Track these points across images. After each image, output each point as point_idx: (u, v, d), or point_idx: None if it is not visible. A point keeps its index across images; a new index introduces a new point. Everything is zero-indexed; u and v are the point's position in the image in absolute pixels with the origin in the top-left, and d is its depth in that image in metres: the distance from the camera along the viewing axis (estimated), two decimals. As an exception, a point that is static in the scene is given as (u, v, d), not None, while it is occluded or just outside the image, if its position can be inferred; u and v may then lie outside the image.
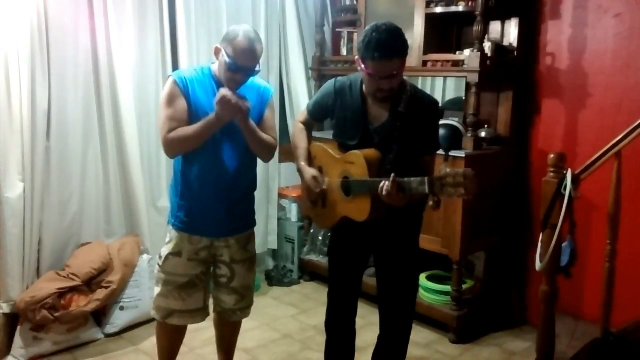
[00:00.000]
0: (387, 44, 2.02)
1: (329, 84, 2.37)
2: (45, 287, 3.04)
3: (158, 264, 2.41)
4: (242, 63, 2.18)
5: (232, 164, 2.33)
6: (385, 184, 2.01)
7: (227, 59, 2.17)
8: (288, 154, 4.44)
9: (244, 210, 2.48)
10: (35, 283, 3.12)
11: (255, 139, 2.32)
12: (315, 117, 2.48)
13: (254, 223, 2.54)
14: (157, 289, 2.42)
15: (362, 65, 2.09)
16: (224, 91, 2.15)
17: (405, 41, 2.09)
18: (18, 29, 2.97)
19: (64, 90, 3.23)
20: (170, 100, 2.24)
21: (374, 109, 2.24)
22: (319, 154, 2.44)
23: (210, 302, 2.55)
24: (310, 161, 2.45)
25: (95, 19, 3.29)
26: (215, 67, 2.31)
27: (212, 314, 2.60)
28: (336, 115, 2.33)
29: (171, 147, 2.24)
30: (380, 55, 2.01)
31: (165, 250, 2.40)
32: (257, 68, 2.24)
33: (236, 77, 2.21)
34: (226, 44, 2.19)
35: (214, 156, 2.30)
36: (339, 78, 2.36)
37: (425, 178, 1.95)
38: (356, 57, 2.13)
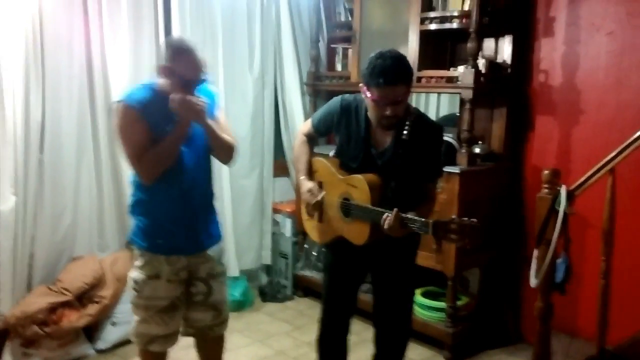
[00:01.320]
0: (392, 70, 2.04)
1: (335, 101, 2.37)
2: (36, 302, 3.01)
3: (135, 290, 2.28)
4: (193, 77, 2.15)
5: (196, 175, 2.30)
6: (388, 218, 2.02)
7: (175, 76, 2.12)
8: (282, 169, 4.48)
9: (214, 222, 2.45)
10: (26, 298, 3.09)
11: (217, 137, 2.28)
12: (319, 131, 2.48)
13: (221, 234, 2.52)
14: (136, 317, 2.32)
15: (367, 93, 2.11)
16: (176, 95, 2.11)
17: (409, 68, 2.12)
18: (13, 41, 2.98)
19: (58, 102, 3.23)
20: (131, 125, 2.13)
21: (378, 134, 2.25)
22: (321, 169, 2.45)
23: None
24: (310, 175, 2.46)
25: (90, 32, 3.30)
26: (161, 84, 2.21)
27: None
28: (340, 133, 2.33)
29: (149, 170, 2.15)
30: (385, 82, 2.03)
31: (139, 275, 2.27)
32: (204, 77, 2.19)
33: (187, 91, 2.15)
34: (169, 61, 2.13)
35: (181, 172, 2.23)
36: (345, 96, 2.36)
37: (430, 222, 1.96)
38: (360, 84, 2.16)
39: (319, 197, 2.34)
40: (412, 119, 2.19)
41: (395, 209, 2.02)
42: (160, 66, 2.18)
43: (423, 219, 1.99)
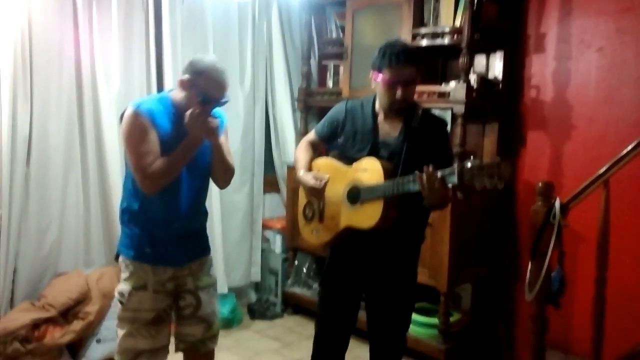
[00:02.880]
0: (403, 51, 2.17)
1: (339, 104, 2.47)
2: (18, 317, 2.93)
3: (121, 302, 2.23)
4: (215, 95, 2.13)
5: (193, 193, 2.27)
6: (425, 173, 1.99)
7: (197, 92, 2.10)
8: (273, 185, 4.45)
9: (204, 235, 2.42)
10: (9, 314, 3.01)
11: (223, 160, 2.27)
12: (324, 136, 2.51)
13: (210, 247, 2.47)
14: (121, 331, 2.24)
15: (379, 76, 2.20)
16: (192, 111, 2.08)
17: (418, 53, 2.25)
18: (1, 53, 2.94)
19: (46, 116, 3.18)
20: (141, 133, 2.09)
21: (385, 126, 2.31)
22: (323, 167, 2.45)
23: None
24: None
25: (80, 45, 3.27)
26: (176, 97, 2.20)
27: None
28: (346, 130, 2.38)
29: (155, 182, 2.10)
30: (397, 61, 2.14)
31: (125, 286, 2.22)
32: (226, 99, 2.18)
33: (205, 109, 2.13)
34: (195, 76, 2.11)
35: (178, 188, 2.20)
36: (350, 99, 2.48)
37: (455, 169, 1.95)
38: (371, 73, 2.26)
39: (326, 179, 2.35)
40: (420, 111, 2.28)
41: (430, 165, 1.99)
42: (183, 79, 2.14)
43: (454, 168, 1.95)
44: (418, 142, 2.23)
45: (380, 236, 2.24)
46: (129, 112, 2.12)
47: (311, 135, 2.58)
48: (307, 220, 2.52)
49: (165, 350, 2.30)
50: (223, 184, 2.39)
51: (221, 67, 2.15)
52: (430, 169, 2.00)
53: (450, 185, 2.03)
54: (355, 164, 2.30)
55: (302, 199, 2.56)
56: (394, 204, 2.17)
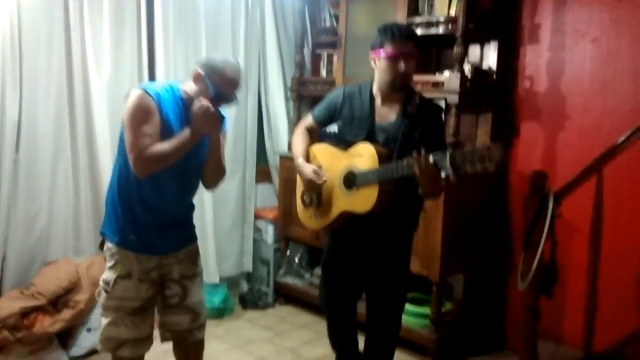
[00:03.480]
0: (403, 27, 2.29)
1: (337, 90, 2.53)
2: (7, 306, 2.90)
3: (106, 291, 2.20)
4: (227, 93, 2.14)
5: (184, 186, 2.25)
6: (418, 159, 2.01)
7: (211, 87, 2.10)
8: (265, 175, 4.43)
9: (189, 224, 2.39)
10: (-3, 302, 2.97)
11: (219, 159, 2.26)
12: (320, 120, 2.55)
13: (196, 236, 2.45)
14: (105, 320, 2.22)
15: (380, 52, 2.25)
16: (204, 102, 2.08)
17: (415, 32, 2.32)
18: (-11, 37, 2.89)
19: (35, 102, 3.13)
20: (145, 114, 2.06)
21: (382, 111, 2.35)
22: (320, 153, 2.50)
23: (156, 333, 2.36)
24: (308, 161, 2.52)
25: (71, 30, 3.21)
26: (187, 89, 2.19)
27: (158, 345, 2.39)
28: (343, 115, 2.42)
29: (148, 165, 2.07)
30: (399, 34, 2.21)
31: (110, 275, 2.19)
32: (236, 98, 2.19)
33: (215, 104, 2.12)
34: (212, 72, 2.11)
35: (168, 178, 2.17)
36: (347, 85, 2.54)
37: (447, 153, 1.98)
38: (370, 55, 2.31)
39: (325, 178, 2.39)
40: (417, 96, 2.32)
41: (421, 149, 2.03)
42: (197, 72, 2.12)
43: (446, 153, 1.97)
44: (414, 127, 2.25)
45: (376, 221, 2.27)
46: (137, 91, 2.10)
47: (308, 120, 2.61)
48: (305, 205, 2.55)
49: (149, 339, 2.28)
50: (212, 184, 2.36)
51: (238, 66, 2.16)
52: (423, 153, 2.02)
53: (443, 175, 2.04)
54: (350, 149, 2.33)
55: (300, 185, 2.59)
56: (390, 189, 2.20)
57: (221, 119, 2.18)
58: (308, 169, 2.42)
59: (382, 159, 2.21)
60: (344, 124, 2.40)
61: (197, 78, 2.14)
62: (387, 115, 2.33)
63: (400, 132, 2.25)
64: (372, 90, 2.38)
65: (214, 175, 2.30)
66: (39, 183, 3.20)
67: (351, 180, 2.31)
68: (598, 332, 2.57)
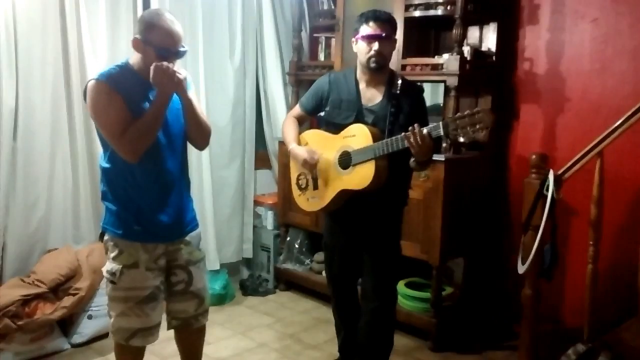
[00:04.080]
0: (379, 11, 2.41)
1: (323, 77, 2.62)
2: (8, 294, 2.90)
3: (112, 282, 2.16)
4: (171, 47, 2.08)
5: (172, 160, 2.21)
6: (414, 133, 2.16)
7: (154, 48, 2.05)
8: (264, 161, 4.41)
9: (190, 208, 2.37)
10: (-2, 290, 2.97)
11: (196, 114, 2.22)
12: (309, 109, 2.64)
13: (198, 222, 2.44)
14: (114, 312, 2.21)
15: (358, 34, 2.40)
16: (157, 63, 2.03)
17: (394, 18, 2.45)
18: (-16, 24, 2.86)
19: (32, 88, 3.11)
20: (106, 101, 2.03)
21: (367, 93, 2.47)
22: (312, 138, 2.59)
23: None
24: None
25: (66, 16, 3.18)
26: (134, 61, 2.14)
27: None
28: (331, 100, 2.52)
29: (134, 145, 2.04)
30: (375, 17, 2.36)
31: (115, 265, 2.16)
32: (184, 49, 2.13)
33: (167, 62, 2.07)
34: (146, 33, 2.06)
35: (157, 157, 2.15)
36: (332, 72, 2.66)
37: (440, 123, 2.15)
38: (352, 39, 2.46)
39: (318, 156, 2.48)
40: (399, 78, 2.45)
41: (415, 125, 2.18)
42: (134, 39, 2.08)
43: (439, 123, 2.16)
44: (400, 107, 2.39)
45: (371, 197, 2.38)
46: (90, 84, 2.07)
47: (296, 109, 2.71)
48: (302, 189, 2.63)
49: (158, 327, 2.28)
50: (201, 142, 2.33)
51: (170, 16, 2.09)
52: (417, 126, 2.17)
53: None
54: (343, 132, 2.43)
55: (295, 171, 2.68)
56: (385, 164, 2.31)
57: (184, 74, 2.13)
58: (301, 150, 2.52)
59: (376, 137, 2.32)
60: (332, 107, 2.51)
61: (136, 45, 2.09)
62: (372, 97, 2.45)
63: (388, 112, 2.38)
64: (356, 75, 2.50)
65: (198, 132, 2.27)
66: (37, 170, 3.19)
67: (346, 160, 2.40)
68: (598, 316, 2.56)
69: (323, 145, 2.51)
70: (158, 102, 2.07)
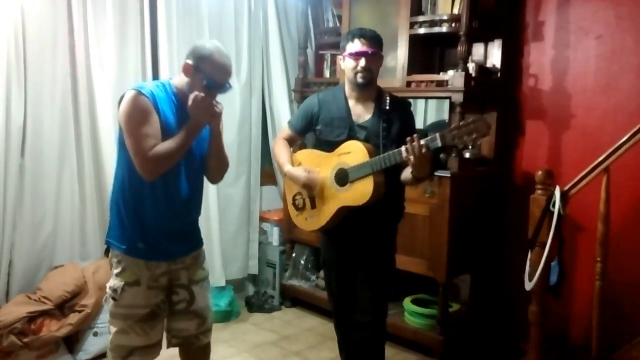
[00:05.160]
0: (365, 30, 2.45)
1: (310, 98, 2.65)
2: (14, 311, 2.90)
3: (114, 299, 2.14)
4: (220, 80, 2.10)
5: (188, 188, 2.20)
6: (412, 145, 2.16)
7: (202, 76, 2.06)
8: (270, 177, 4.42)
9: (196, 228, 2.37)
10: (4, 307, 2.98)
11: (222, 149, 2.25)
12: (298, 129, 2.65)
13: (202, 240, 2.42)
14: (114, 327, 2.19)
15: (345, 52, 2.43)
16: (197, 93, 2.04)
17: (380, 35, 2.48)
18: (-6, 43, 2.90)
19: (40, 106, 3.14)
20: (143, 115, 2.02)
21: (357, 109, 2.50)
22: (305, 158, 2.61)
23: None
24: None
25: (75, 35, 3.23)
26: (178, 83, 2.15)
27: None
28: (321, 119, 2.54)
29: (155, 166, 2.03)
30: (361, 34, 2.40)
31: (117, 282, 2.14)
32: (230, 85, 2.15)
33: (210, 93, 2.09)
34: (200, 60, 2.07)
35: (172, 180, 2.14)
36: (319, 92, 2.67)
37: (437, 134, 2.18)
38: (338, 57, 2.51)
39: (317, 170, 2.49)
40: (387, 95, 2.49)
41: (414, 135, 2.19)
42: (186, 63, 2.09)
43: (436, 134, 2.18)
44: (391, 121, 2.43)
45: (367, 211, 2.38)
46: (130, 93, 2.05)
47: (285, 131, 2.72)
48: (299, 209, 2.63)
49: (158, 345, 2.25)
50: (217, 177, 2.34)
51: (226, 52, 2.12)
52: (415, 139, 2.18)
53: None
54: (337, 149, 2.45)
55: (290, 191, 2.68)
56: (382, 179, 2.34)
57: (222, 106, 2.16)
58: (299, 170, 2.53)
59: (371, 152, 2.35)
60: (324, 125, 2.53)
61: (186, 69, 2.09)
62: (362, 113, 2.48)
63: (380, 127, 2.41)
64: (345, 92, 2.53)
65: (218, 166, 2.28)
66: (44, 187, 3.21)
67: (343, 176, 2.42)
68: (607, 332, 2.54)
69: (317, 164, 2.53)
70: (189, 130, 2.07)
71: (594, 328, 2.51)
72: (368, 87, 2.45)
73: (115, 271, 2.18)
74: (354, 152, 2.38)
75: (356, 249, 2.54)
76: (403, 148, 2.20)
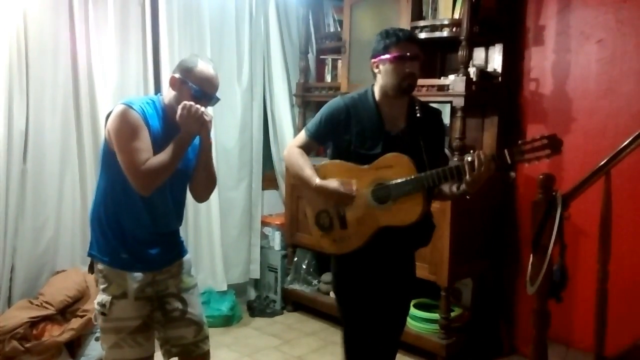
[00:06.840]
0: (406, 30, 2.23)
1: (335, 101, 2.29)
2: (16, 316, 2.91)
3: (103, 314, 2.09)
4: (208, 91, 2.09)
5: (171, 199, 2.18)
6: (478, 158, 2.00)
7: (192, 87, 2.05)
8: (271, 182, 4.43)
9: (178, 236, 2.32)
10: (6, 312, 2.99)
11: (210, 163, 2.20)
12: (319, 138, 2.33)
13: (186, 249, 2.38)
14: (106, 344, 2.15)
15: (386, 56, 2.15)
16: (185, 102, 2.02)
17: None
18: (-4, 48, 2.91)
19: (42, 111, 3.16)
20: (134, 129, 1.98)
21: (389, 116, 2.23)
22: (333, 171, 2.25)
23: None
24: None
25: (76, 40, 3.25)
26: (168, 99, 2.12)
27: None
28: (352, 128, 2.23)
29: (151, 178, 2.00)
30: (403, 36, 2.16)
31: (105, 297, 2.09)
32: (217, 97, 2.14)
33: (199, 104, 2.05)
34: (186, 73, 2.06)
35: (156, 191, 2.09)
36: (344, 96, 2.34)
37: (505, 150, 2.01)
38: (372, 61, 2.21)
39: (354, 184, 2.18)
40: (418, 102, 2.29)
41: (477, 150, 2.05)
42: (172, 77, 2.08)
43: (504, 150, 2.02)
44: (426, 131, 2.24)
45: (407, 232, 2.18)
46: (120, 108, 2.03)
47: (302, 138, 2.35)
48: (325, 229, 2.28)
49: (152, 358, 2.22)
50: (204, 192, 2.26)
51: (212, 65, 2.12)
52: (481, 152, 2.02)
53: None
54: (375, 162, 2.17)
55: (312, 208, 2.33)
56: (428, 196, 2.17)
57: (212, 116, 2.12)
58: (333, 183, 2.19)
59: (415, 166, 2.13)
60: (355, 137, 2.22)
61: (173, 83, 2.08)
62: (395, 121, 2.23)
63: (420, 139, 2.20)
64: (374, 98, 2.25)
65: (207, 180, 2.21)
66: (46, 193, 3.22)
67: (384, 193, 2.15)
68: (609, 336, 2.53)
69: (348, 178, 2.21)
70: (180, 141, 2.05)
71: (595, 331, 2.50)
72: (409, 94, 2.23)
73: (102, 286, 2.13)
74: (397, 166, 2.13)
75: (392, 270, 2.34)
76: (466, 163, 2.00)
